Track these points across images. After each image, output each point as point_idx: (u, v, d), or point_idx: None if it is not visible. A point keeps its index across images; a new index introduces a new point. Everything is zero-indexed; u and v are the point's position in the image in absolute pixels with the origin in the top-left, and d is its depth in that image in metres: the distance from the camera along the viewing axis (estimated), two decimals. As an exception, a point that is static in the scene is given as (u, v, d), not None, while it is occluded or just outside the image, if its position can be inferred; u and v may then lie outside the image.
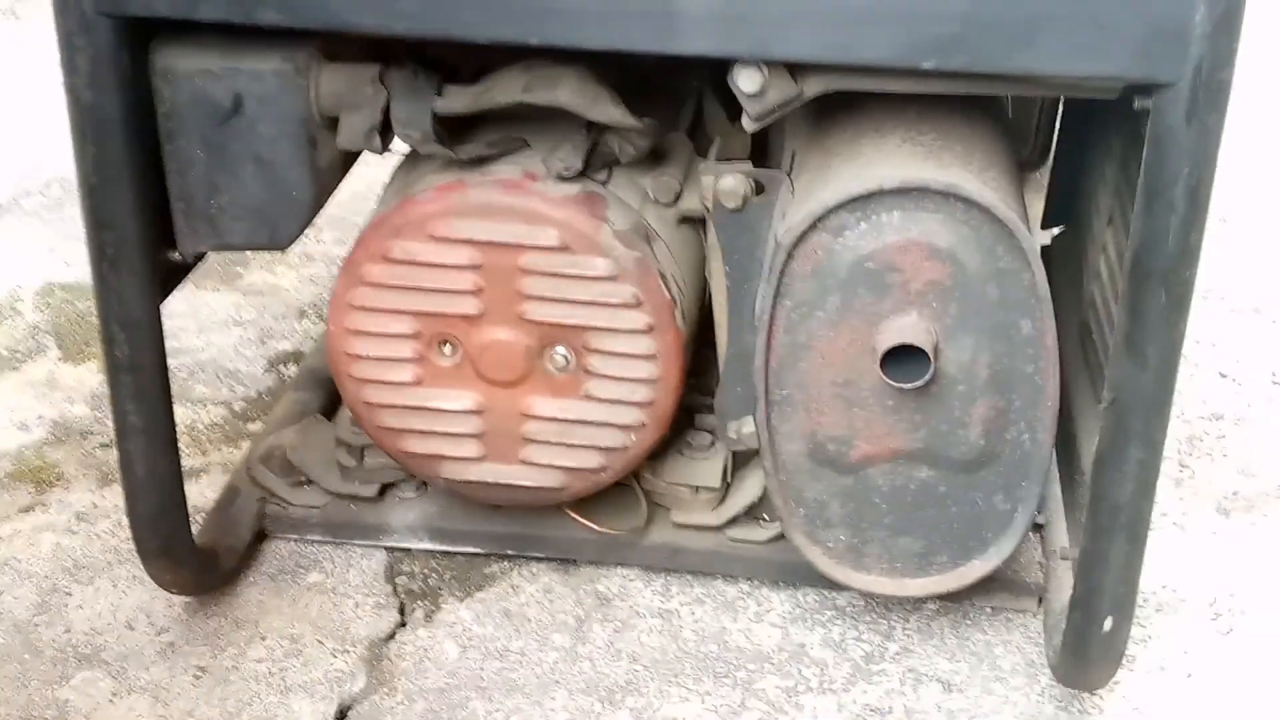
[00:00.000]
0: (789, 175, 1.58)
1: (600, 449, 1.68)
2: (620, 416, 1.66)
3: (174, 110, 1.52)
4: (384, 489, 1.86)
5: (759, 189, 1.57)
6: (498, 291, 1.61)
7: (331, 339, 1.67)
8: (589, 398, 1.65)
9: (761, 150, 1.79)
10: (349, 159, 1.71)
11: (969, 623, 1.78)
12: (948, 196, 1.46)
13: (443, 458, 1.72)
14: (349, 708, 1.66)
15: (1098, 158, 1.76)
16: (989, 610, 1.79)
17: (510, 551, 1.84)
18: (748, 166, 1.58)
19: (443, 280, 1.61)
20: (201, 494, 1.92)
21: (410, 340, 1.65)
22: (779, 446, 1.60)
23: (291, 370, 2.23)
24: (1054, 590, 1.70)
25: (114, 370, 1.57)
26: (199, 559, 1.74)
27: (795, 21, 1.36)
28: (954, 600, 1.77)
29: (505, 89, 1.56)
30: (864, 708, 1.67)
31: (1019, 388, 1.53)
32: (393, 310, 1.64)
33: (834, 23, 1.35)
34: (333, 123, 1.58)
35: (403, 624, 1.77)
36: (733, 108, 1.55)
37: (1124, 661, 1.61)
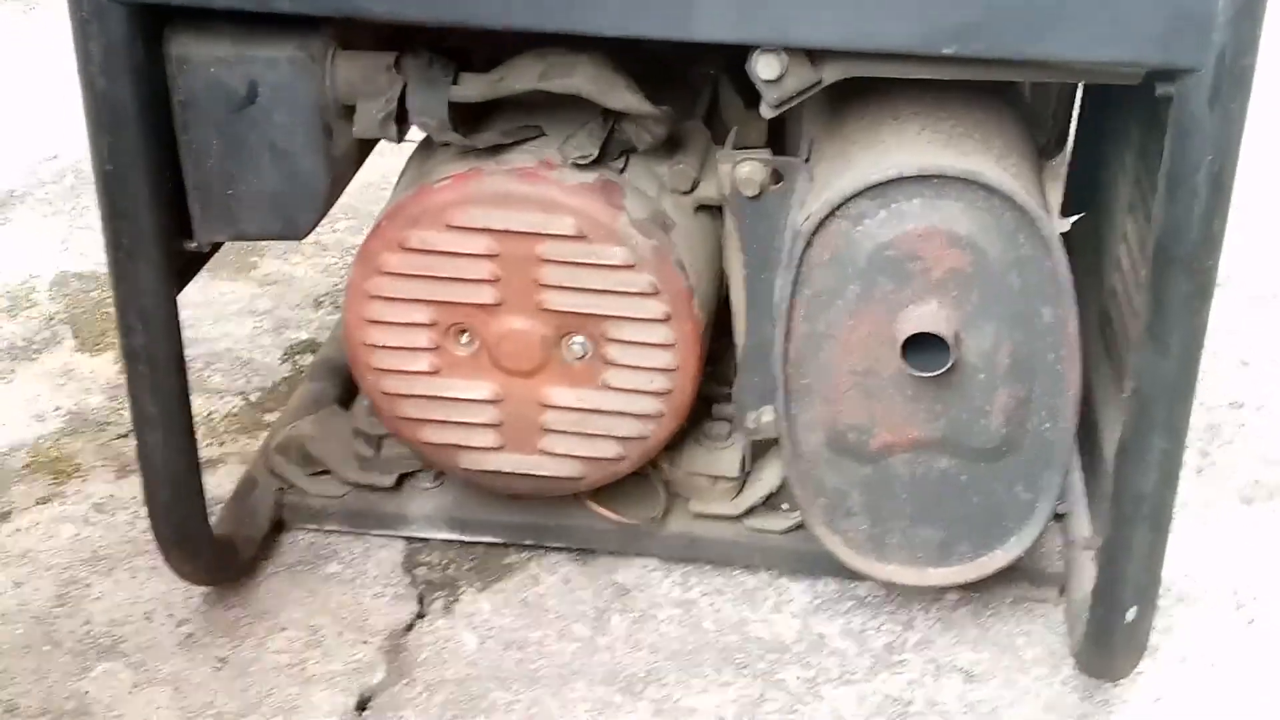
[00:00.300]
0: (807, 163, 1.57)
1: (618, 438, 1.67)
2: (638, 406, 1.65)
3: (189, 99, 1.51)
4: (402, 479, 1.85)
5: (777, 177, 1.56)
6: (515, 280, 1.60)
7: (348, 328, 1.67)
8: (607, 387, 1.65)
9: (778, 138, 1.78)
10: (365, 148, 1.70)
11: (990, 613, 1.77)
12: (968, 183, 1.45)
13: (460, 447, 1.71)
14: (369, 699, 1.65)
15: (1117, 145, 1.75)
16: (1010, 600, 1.78)
17: (529, 541, 1.84)
18: (766, 154, 1.57)
19: (460, 269, 1.61)
20: (219, 484, 1.91)
21: (427, 329, 1.64)
22: (799, 436, 1.59)
23: (307, 360, 2.22)
24: (1076, 580, 1.69)
25: (131, 361, 1.57)
26: (217, 549, 1.73)
27: (814, 7, 1.35)
28: (975, 590, 1.76)
29: (521, 76, 1.55)
30: (885, 698, 1.66)
31: (1040, 376, 1.52)
32: (410, 299, 1.63)
33: (854, 8, 1.34)
34: (348, 111, 1.57)
35: (421, 615, 1.76)
36: (750, 95, 1.54)
37: (1146, 651, 1.60)
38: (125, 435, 2.03)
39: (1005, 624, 1.76)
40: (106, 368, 2.20)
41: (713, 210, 1.69)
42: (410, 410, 1.69)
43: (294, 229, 1.61)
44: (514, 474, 1.72)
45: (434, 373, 1.67)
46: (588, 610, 1.77)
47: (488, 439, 1.70)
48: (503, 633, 1.74)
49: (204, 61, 1.50)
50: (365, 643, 1.72)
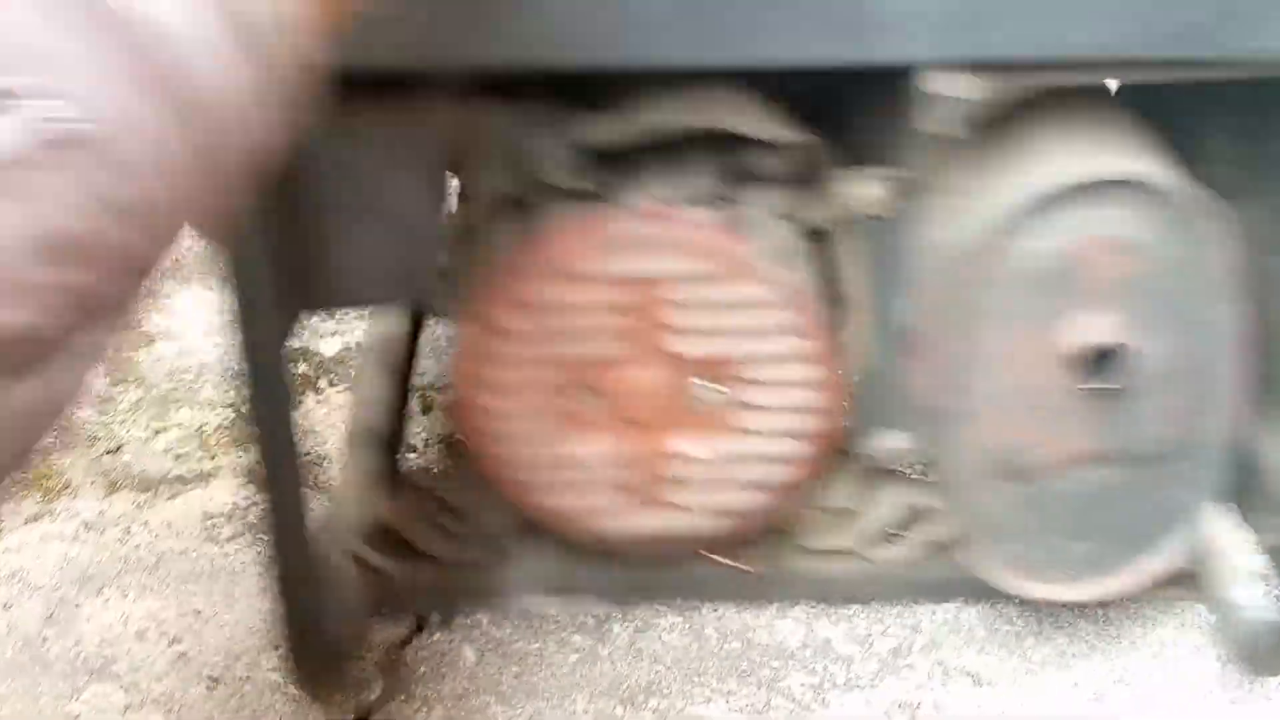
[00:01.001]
0: (936, 177, 1.46)
1: (762, 487, 1.56)
2: (782, 450, 1.54)
3: (301, 163, 1.37)
4: (496, 548, 1.68)
5: (901, 194, 1.46)
6: (642, 328, 1.48)
7: (460, 392, 1.53)
8: (745, 433, 1.53)
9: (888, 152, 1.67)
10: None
11: (997, 614, 1.74)
12: (1129, 185, 1.39)
13: (588, 510, 1.58)
14: (366, 715, 1.62)
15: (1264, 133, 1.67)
16: (1017, 601, 1.74)
17: (639, 601, 1.74)
18: (889, 171, 1.46)
19: (584, 321, 1.48)
20: (211, 499, 1.88)
21: (550, 388, 1.51)
22: (951, 460, 1.53)
23: (301, 369, 2.18)
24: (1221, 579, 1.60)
25: (268, 454, 1.50)
26: (342, 659, 1.65)
27: (1022, 18, 1.27)
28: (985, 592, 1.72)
29: (660, 114, 1.44)
30: (892, 703, 1.63)
31: (1207, 378, 1.47)
32: (530, 358, 1.50)
33: (1059, 17, 1.27)
34: (464, 163, 1.49)
35: (419, 629, 1.73)
36: (867, 109, 1.44)
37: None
38: (114, 451, 2.00)
39: (1012, 625, 1.73)
40: (93, 381, 2.16)
41: (830, 233, 1.56)
42: (532, 475, 1.56)
43: (414, 291, 1.53)
44: (646, 535, 1.59)
45: (559, 433, 1.54)
46: (588, 620, 1.74)
47: (617, 499, 1.57)
48: (501, 645, 1.71)
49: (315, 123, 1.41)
50: (361, 658, 1.69)
